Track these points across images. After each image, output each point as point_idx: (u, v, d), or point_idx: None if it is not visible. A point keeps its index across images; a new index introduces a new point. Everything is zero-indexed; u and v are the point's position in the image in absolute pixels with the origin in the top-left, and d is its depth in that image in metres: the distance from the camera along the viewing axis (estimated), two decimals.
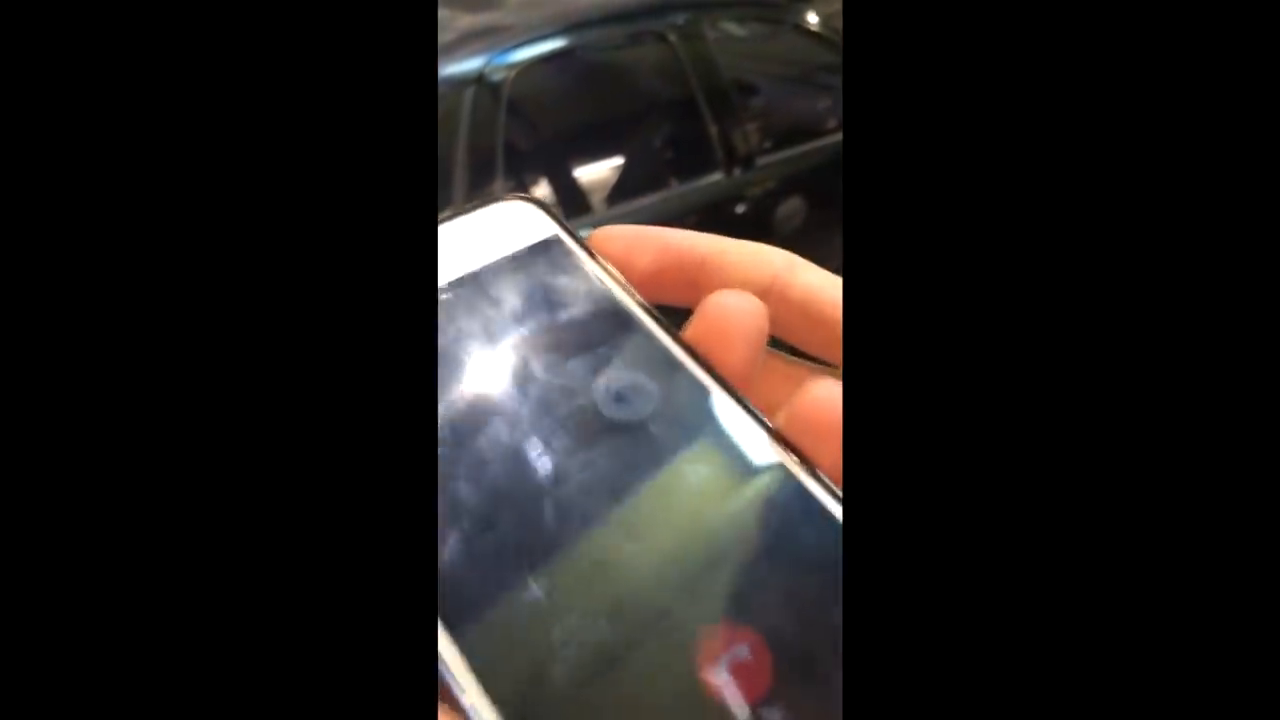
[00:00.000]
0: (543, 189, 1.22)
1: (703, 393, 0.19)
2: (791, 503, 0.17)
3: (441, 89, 1.04)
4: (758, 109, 1.41)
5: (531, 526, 0.16)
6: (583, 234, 0.21)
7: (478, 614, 0.15)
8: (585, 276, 0.21)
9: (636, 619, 0.16)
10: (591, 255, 0.21)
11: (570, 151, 1.30)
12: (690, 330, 0.20)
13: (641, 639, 0.15)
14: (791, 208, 1.38)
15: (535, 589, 0.16)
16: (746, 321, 0.20)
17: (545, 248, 0.21)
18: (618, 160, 1.32)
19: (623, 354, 0.19)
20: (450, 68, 1.05)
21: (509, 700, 0.14)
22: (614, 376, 0.19)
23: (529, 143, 1.24)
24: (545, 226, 0.21)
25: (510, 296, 0.20)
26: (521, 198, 0.22)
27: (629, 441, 0.18)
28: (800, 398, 0.19)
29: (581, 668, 0.15)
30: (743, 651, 0.15)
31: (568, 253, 0.21)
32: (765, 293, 0.23)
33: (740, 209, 1.35)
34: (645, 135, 1.34)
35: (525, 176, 1.20)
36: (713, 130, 1.34)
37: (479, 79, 1.06)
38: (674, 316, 0.21)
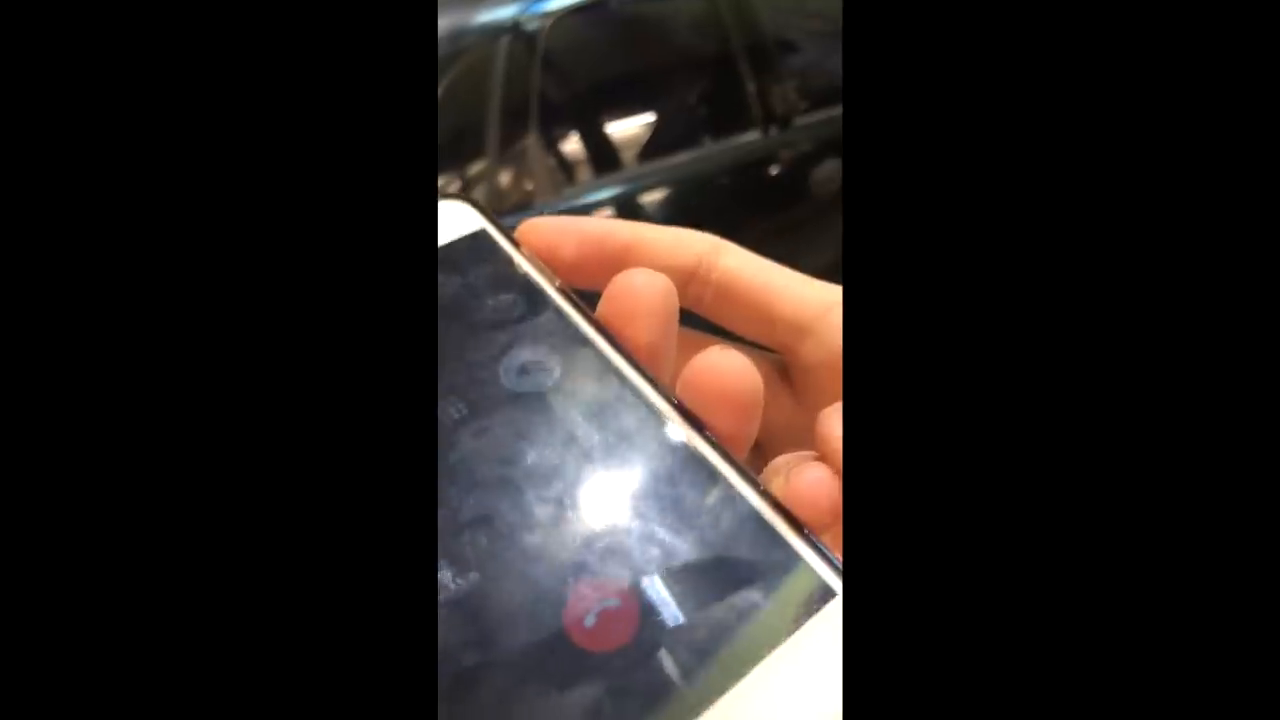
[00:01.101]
0: (573, 143, 1.20)
1: (605, 365, 0.20)
2: (681, 464, 0.19)
3: (475, 37, 1.02)
4: (797, 67, 1.38)
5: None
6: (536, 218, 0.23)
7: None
8: (505, 265, 0.22)
9: (511, 572, 0.17)
10: (515, 245, 0.23)
11: (603, 105, 1.27)
12: (599, 308, 0.21)
13: (515, 590, 0.16)
14: (828, 171, 1.35)
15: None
16: (652, 297, 0.21)
17: (472, 240, 0.23)
18: (651, 116, 1.30)
19: (532, 332, 0.21)
20: (485, 15, 1.03)
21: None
22: (519, 352, 0.20)
23: (561, 95, 1.22)
24: (474, 221, 0.23)
25: (440, 284, 0.22)
26: (455, 197, 0.24)
27: (527, 411, 0.19)
28: (693, 364, 0.20)
29: (453, 614, 0.16)
30: (612, 602, 0.16)
31: (492, 244, 0.23)
32: (689, 276, 0.24)
33: (774, 170, 1.33)
34: (680, 90, 1.32)
35: (556, 129, 1.18)
36: (750, 87, 1.31)
37: (514, 27, 1.03)
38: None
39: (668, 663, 0.15)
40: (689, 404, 0.19)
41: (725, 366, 0.20)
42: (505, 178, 1.09)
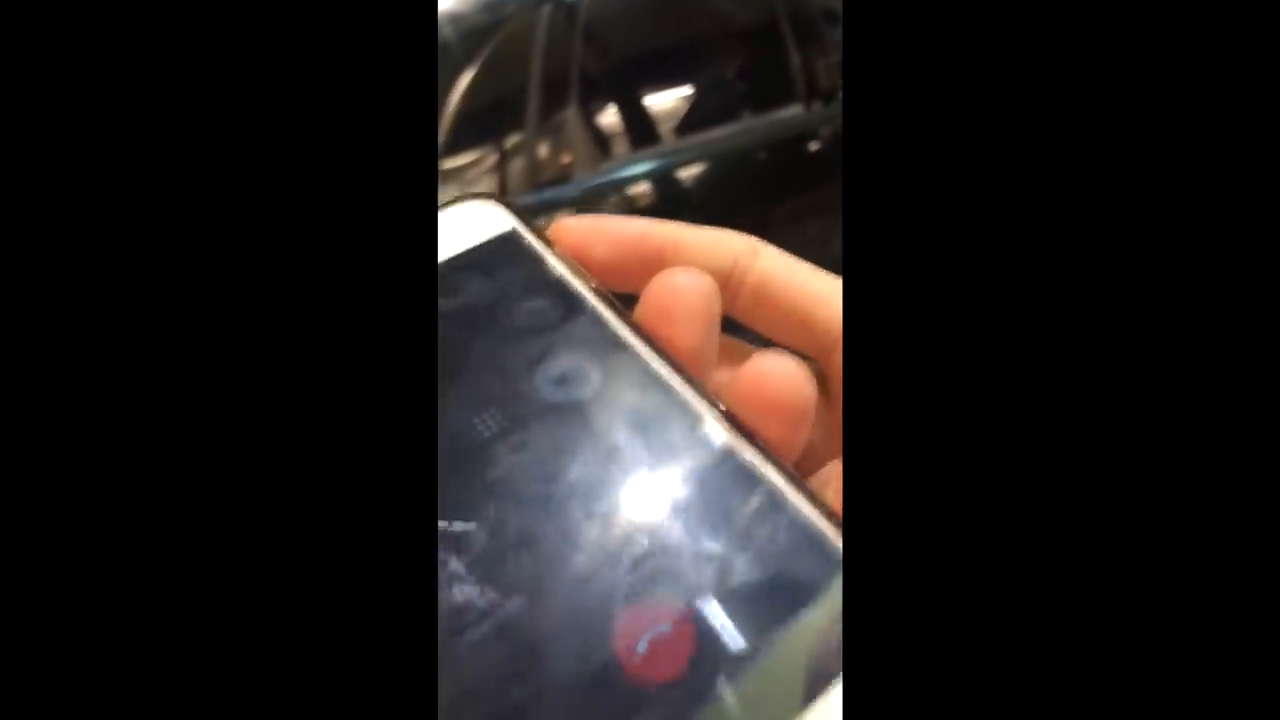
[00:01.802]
0: (611, 115, 1.19)
1: (646, 371, 0.19)
2: (729, 478, 0.17)
3: (515, 7, 1.01)
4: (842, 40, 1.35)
5: (461, 503, 0.17)
6: (559, 216, 0.21)
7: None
8: (538, 267, 0.21)
9: (557, 596, 0.15)
10: (548, 246, 0.22)
11: (642, 77, 1.26)
12: (638, 311, 0.21)
13: (560, 615, 0.15)
14: None
15: (456, 565, 0.16)
16: (693, 299, 0.20)
17: (502, 242, 0.22)
18: (690, 89, 1.28)
19: (568, 338, 0.20)
20: None
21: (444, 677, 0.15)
22: (556, 360, 0.19)
23: (600, 66, 1.21)
24: (503, 222, 0.23)
25: (466, 288, 0.21)
26: (482, 196, 0.23)
27: (565, 422, 0.18)
28: (743, 371, 0.19)
29: (496, 644, 0.15)
30: (664, 627, 0.15)
31: (524, 245, 0.22)
32: (726, 279, 0.23)
33: (814, 146, 1.31)
34: (721, 63, 1.29)
35: (594, 102, 1.16)
36: (795, 60, 1.28)
37: None
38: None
39: (728, 693, 0.15)
40: (740, 412, 0.18)
41: (780, 373, 0.19)
42: (544, 150, 1.08)
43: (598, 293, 0.21)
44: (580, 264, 0.22)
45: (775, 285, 0.25)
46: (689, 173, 1.38)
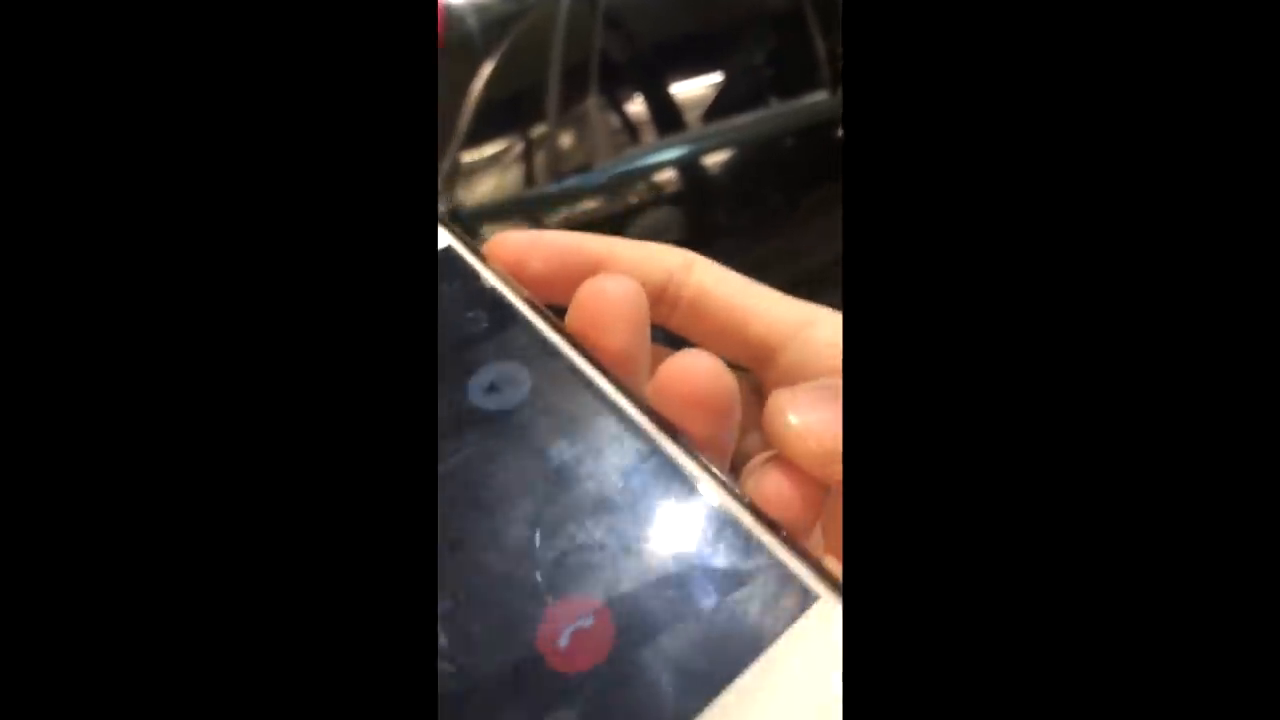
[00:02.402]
0: (637, 104, 1.18)
1: (577, 376, 0.20)
2: (655, 474, 0.18)
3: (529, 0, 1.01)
4: None
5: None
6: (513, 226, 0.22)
7: None
8: (473, 281, 0.22)
9: (485, 596, 0.16)
10: (481, 260, 0.22)
11: (667, 64, 1.25)
12: (568, 318, 0.21)
13: (489, 615, 0.16)
14: None
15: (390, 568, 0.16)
16: (620, 304, 0.20)
17: (441, 256, 0.22)
18: (717, 76, 1.27)
19: (500, 348, 0.20)
20: None
21: None
22: (488, 370, 0.20)
23: (624, 54, 1.20)
24: (439, 238, 0.23)
25: None
26: None
27: (497, 430, 0.19)
28: (663, 367, 0.19)
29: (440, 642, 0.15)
30: (586, 621, 0.15)
31: (458, 260, 0.22)
32: (660, 292, 0.24)
33: (841, 133, 1.29)
34: (749, 48, 1.28)
35: (619, 90, 1.16)
36: (820, 46, 1.27)
37: None
38: None
39: (645, 680, 0.15)
40: (662, 408, 0.18)
41: (698, 368, 0.20)
42: (566, 140, 1.08)
43: (529, 303, 0.21)
44: (517, 277, 0.22)
45: (710, 299, 0.26)
46: (715, 160, 1.38)
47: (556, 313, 0.22)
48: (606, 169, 1.09)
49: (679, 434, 0.19)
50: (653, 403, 0.19)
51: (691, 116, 1.33)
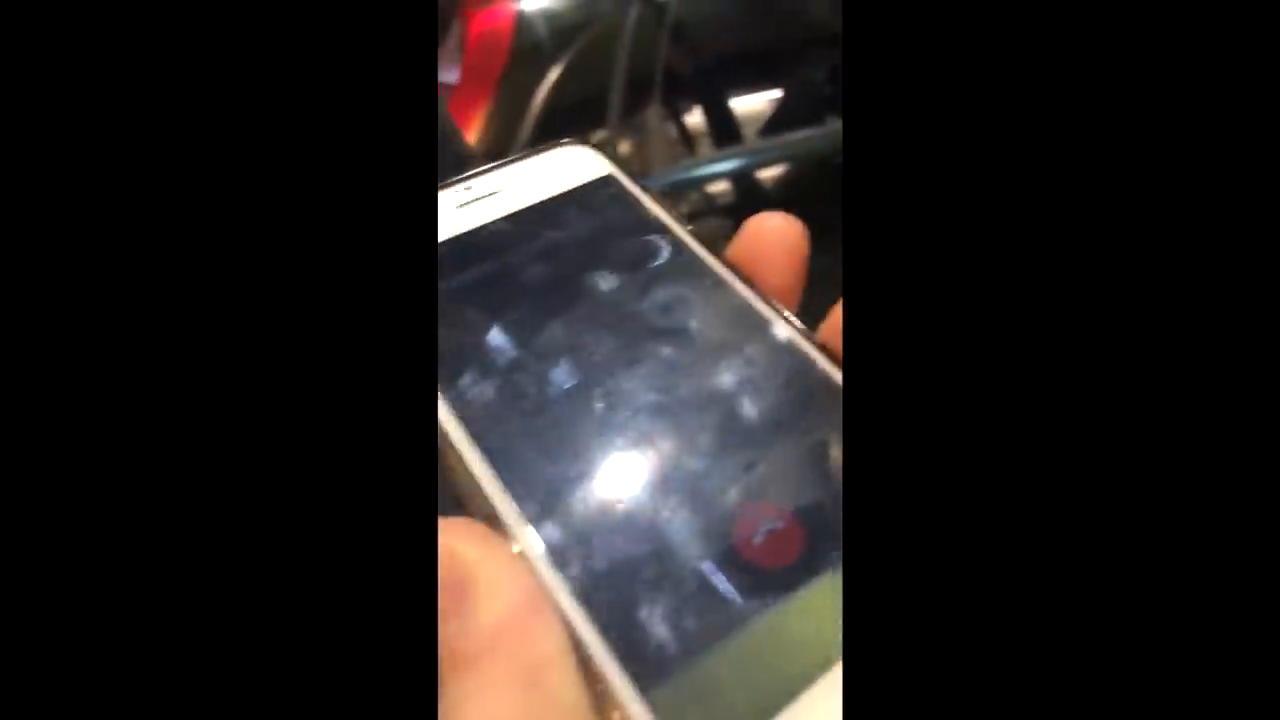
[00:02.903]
0: (696, 116, 1.20)
1: (741, 302, 0.21)
2: (823, 396, 0.19)
3: (605, 6, 1.04)
4: None
5: (584, 418, 0.19)
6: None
7: (536, 487, 0.17)
8: (637, 208, 0.23)
9: (677, 494, 0.17)
10: (644, 190, 0.23)
11: (730, 78, 1.27)
12: (731, 249, 0.22)
13: (681, 511, 0.17)
14: None
15: (584, 464, 0.18)
16: (785, 241, 0.21)
17: (601, 184, 0.24)
18: (769, 93, 1.28)
19: (670, 271, 0.22)
20: None
21: (559, 544, 0.16)
22: (659, 290, 0.21)
23: (687, 67, 1.23)
24: (600, 166, 0.24)
25: (568, 225, 0.23)
26: (579, 143, 0.25)
27: (673, 345, 0.20)
28: (834, 311, 0.20)
29: (626, 532, 0.17)
30: (776, 524, 0.17)
31: (621, 188, 0.23)
32: None
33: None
34: (811, 66, 1.30)
35: (680, 102, 1.18)
36: None
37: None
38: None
39: (834, 578, 0.16)
40: (831, 340, 0.20)
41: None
42: (625, 147, 1.10)
43: (692, 233, 0.22)
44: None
45: None
46: (769, 174, 1.39)
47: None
48: (662, 177, 1.11)
49: (840, 362, 0.20)
50: (824, 335, 0.20)
51: (749, 130, 1.34)
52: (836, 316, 0.20)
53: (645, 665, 0.15)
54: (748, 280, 0.21)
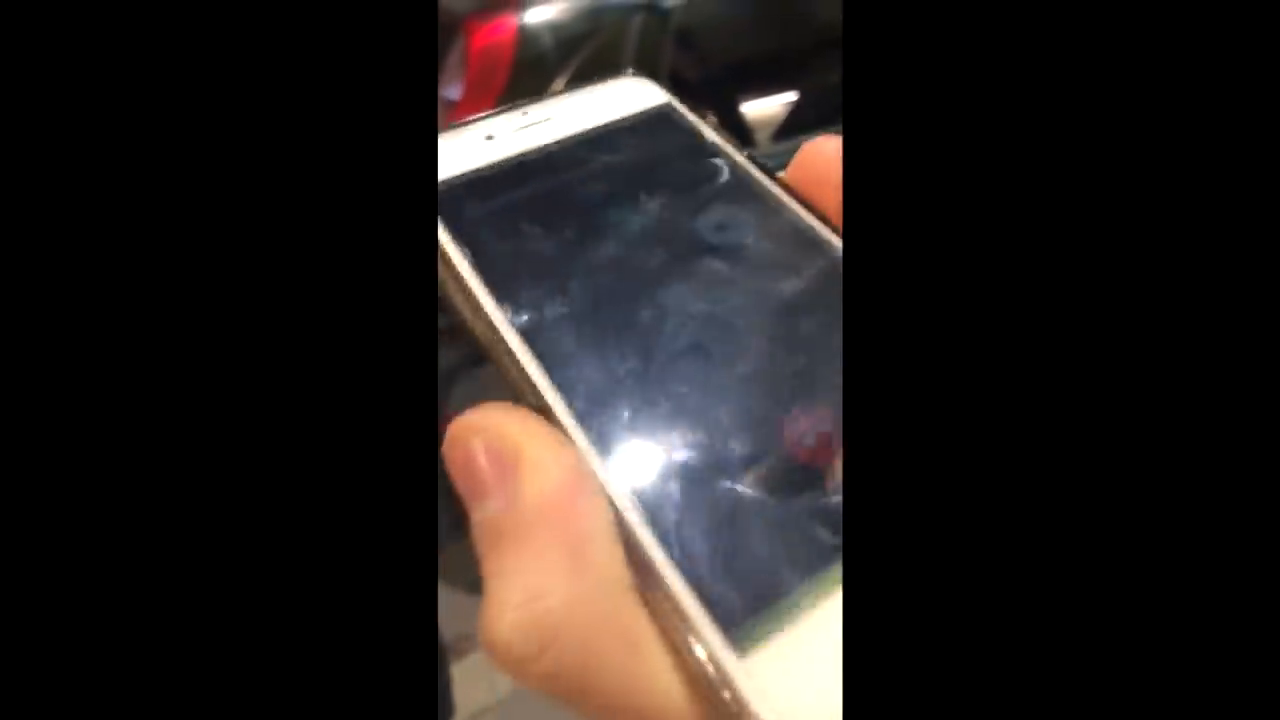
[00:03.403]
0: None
1: (796, 222, 0.21)
2: None
3: (609, 16, 1.03)
4: None
5: (635, 324, 0.19)
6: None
7: (586, 382, 0.18)
8: (694, 134, 0.23)
9: (725, 397, 0.17)
10: (701, 118, 0.24)
11: (738, 84, 1.26)
12: (788, 173, 0.22)
13: (729, 413, 0.17)
14: None
15: (635, 363, 0.18)
16: (839, 163, 0.21)
17: (659, 113, 0.24)
18: (788, 96, 1.27)
19: (726, 192, 0.22)
20: None
21: (617, 450, 0.17)
22: (716, 210, 0.21)
23: (696, 73, 1.22)
24: (658, 96, 0.24)
25: (625, 149, 0.23)
26: (639, 74, 0.25)
27: (728, 262, 0.20)
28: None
29: (676, 428, 0.17)
30: (825, 425, 0.17)
31: (679, 116, 0.24)
32: None
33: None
34: (823, 69, 1.28)
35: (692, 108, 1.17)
36: None
37: (649, 6, 1.04)
38: None
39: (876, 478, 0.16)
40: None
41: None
42: None
43: (750, 158, 0.23)
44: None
45: None
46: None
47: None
48: None
49: None
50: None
51: (762, 135, 1.33)
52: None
53: (687, 548, 0.15)
54: (804, 201, 0.21)
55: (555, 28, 1.03)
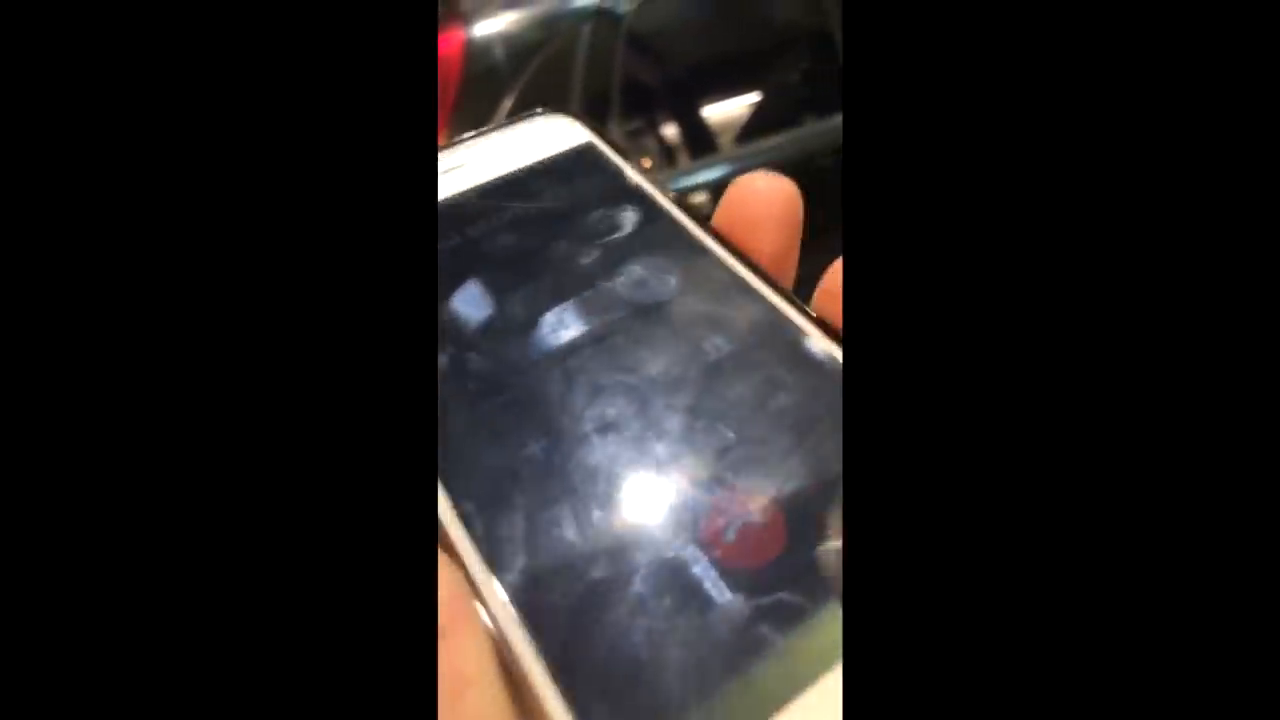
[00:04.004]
0: (670, 128, 1.18)
1: (727, 274, 0.19)
2: (815, 374, 0.17)
3: (561, 24, 1.02)
4: None
5: (539, 395, 0.17)
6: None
7: (477, 473, 0.16)
8: (615, 177, 0.21)
9: (637, 483, 0.15)
10: (624, 157, 0.22)
11: (699, 87, 1.25)
12: (718, 215, 0.20)
13: (641, 502, 0.15)
14: None
15: (535, 449, 0.16)
16: (772, 204, 0.19)
17: (580, 153, 0.22)
18: (750, 97, 1.26)
19: (648, 242, 0.20)
20: (568, 2, 1.02)
21: (506, 563, 0.15)
22: (636, 263, 0.19)
23: (655, 78, 1.20)
24: (579, 135, 0.23)
25: (541, 194, 0.21)
26: (558, 111, 0.23)
27: (648, 321, 0.18)
28: (830, 273, 0.18)
29: (579, 526, 0.15)
30: (753, 516, 0.15)
31: (600, 156, 0.22)
32: None
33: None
34: (784, 68, 1.27)
35: (652, 113, 1.16)
36: None
37: (601, 12, 1.02)
38: None
39: (816, 581, 0.14)
40: (826, 310, 0.18)
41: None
42: None
43: (675, 201, 0.21)
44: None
45: None
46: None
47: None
48: None
49: (837, 333, 0.18)
50: (817, 304, 0.19)
51: (726, 138, 1.31)
52: (831, 281, 0.18)
53: (588, 684, 0.13)
54: (733, 248, 0.19)
55: (506, 38, 1.02)
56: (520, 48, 1.01)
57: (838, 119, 1.22)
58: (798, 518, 0.15)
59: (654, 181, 0.21)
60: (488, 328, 0.18)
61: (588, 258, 0.20)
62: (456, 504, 0.15)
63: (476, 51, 0.96)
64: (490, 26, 0.99)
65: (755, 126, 1.26)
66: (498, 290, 0.19)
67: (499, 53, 1.00)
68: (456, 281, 0.19)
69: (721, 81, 1.27)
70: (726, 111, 1.27)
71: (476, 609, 0.14)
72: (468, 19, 0.97)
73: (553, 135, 0.23)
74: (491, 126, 0.23)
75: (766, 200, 0.19)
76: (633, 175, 0.21)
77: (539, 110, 0.23)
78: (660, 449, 0.16)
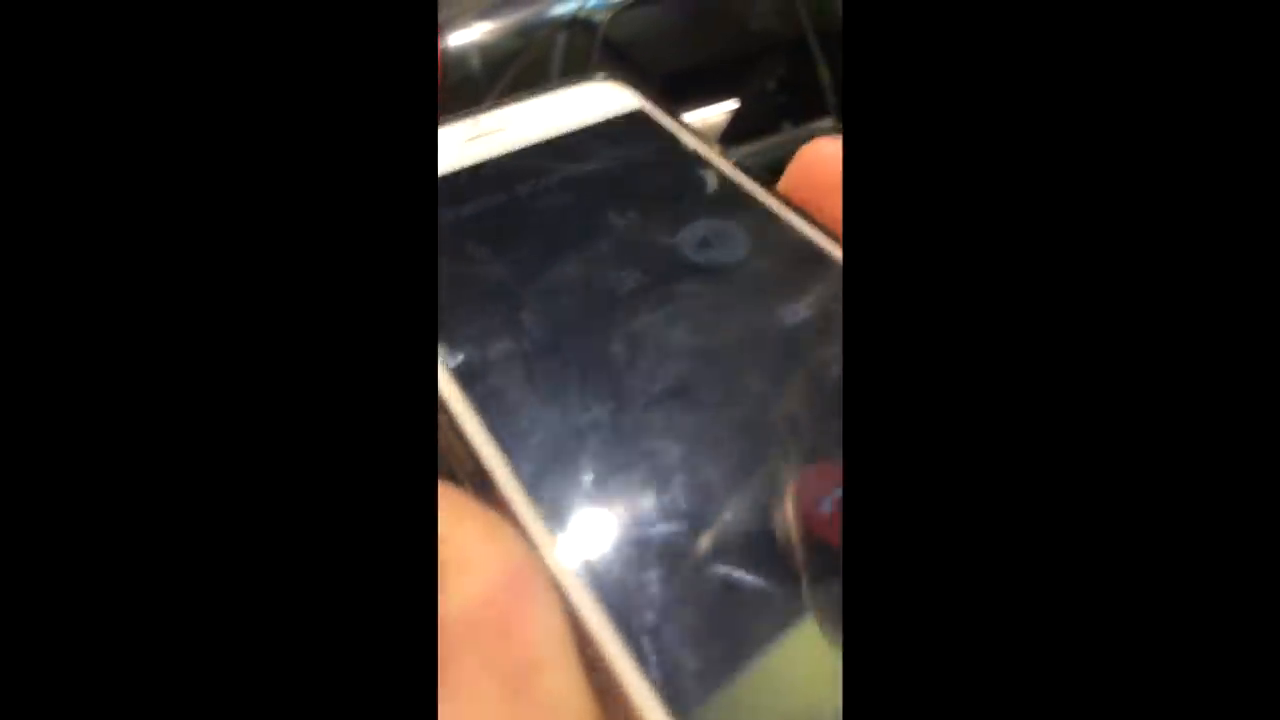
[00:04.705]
0: None
1: (796, 239, 0.18)
2: None
3: (537, 33, 1.02)
4: None
5: (601, 364, 0.16)
6: None
7: (538, 436, 0.15)
8: (670, 141, 0.21)
9: (718, 446, 0.14)
10: (681, 123, 0.21)
11: (677, 95, 1.25)
12: (784, 181, 0.20)
13: (731, 475, 0.14)
14: None
15: (603, 414, 0.15)
16: (840, 167, 0.19)
17: (633, 117, 0.22)
18: (726, 104, 1.26)
19: (710, 204, 0.19)
20: (544, 11, 1.02)
21: (577, 532, 0.13)
22: (699, 225, 0.19)
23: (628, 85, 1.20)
24: (629, 100, 0.22)
25: (591, 159, 0.21)
26: (607, 78, 0.23)
27: (715, 285, 0.17)
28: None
29: (650, 495, 0.14)
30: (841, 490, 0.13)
31: (656, 120, 0.21)
32: None
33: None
34: (758, 76, 1.28)
35: None
36: (825, 74, 1.26)
37: (576, 21, 1.02)
38: None
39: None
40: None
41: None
42: None
43: (735, 165, 0.20)
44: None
45: None
46: None
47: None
48: None
49: None
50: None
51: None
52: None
53: (670, 663, 0.12)
54: (803, 212, 0.18)
55: (482, 48, 1.02)
56: (497, 56, 1.02)
57: (816, 125, 1.23)
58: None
59: (713, 146, 0.21)
60: (546, 286, 0.17)
61: (647, 219, 0.19)
62: (517, 471, 0.14)
63: (453, 61, 0.97)
64: (466, 35, 0.99)
65: (733, 134, 1.26)
66: (540, 253, 0.18)
67: (475, 62, 1.00)
68: (499, 242, 0.18)
69: (698, 89, 1.27)
70: (704, 119, 1.28)
71: (543, 573, 0.13)
72: (444, 28, 0.97)
73: (603, 100, 0.22)
74: (537, 89, 0.22)
75: (836, 165, 0.19)
76: (690, 140, 0.21)
77: (590, 76, 0.23)
78: (739, 415, 0.15)
